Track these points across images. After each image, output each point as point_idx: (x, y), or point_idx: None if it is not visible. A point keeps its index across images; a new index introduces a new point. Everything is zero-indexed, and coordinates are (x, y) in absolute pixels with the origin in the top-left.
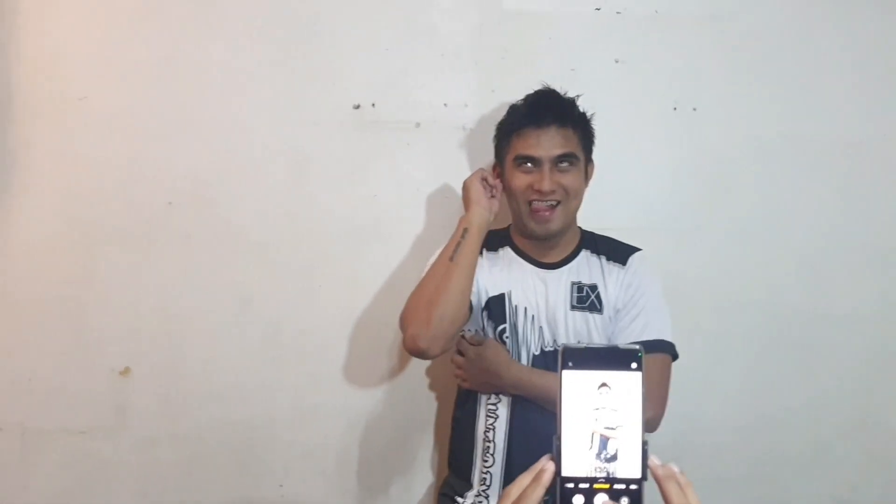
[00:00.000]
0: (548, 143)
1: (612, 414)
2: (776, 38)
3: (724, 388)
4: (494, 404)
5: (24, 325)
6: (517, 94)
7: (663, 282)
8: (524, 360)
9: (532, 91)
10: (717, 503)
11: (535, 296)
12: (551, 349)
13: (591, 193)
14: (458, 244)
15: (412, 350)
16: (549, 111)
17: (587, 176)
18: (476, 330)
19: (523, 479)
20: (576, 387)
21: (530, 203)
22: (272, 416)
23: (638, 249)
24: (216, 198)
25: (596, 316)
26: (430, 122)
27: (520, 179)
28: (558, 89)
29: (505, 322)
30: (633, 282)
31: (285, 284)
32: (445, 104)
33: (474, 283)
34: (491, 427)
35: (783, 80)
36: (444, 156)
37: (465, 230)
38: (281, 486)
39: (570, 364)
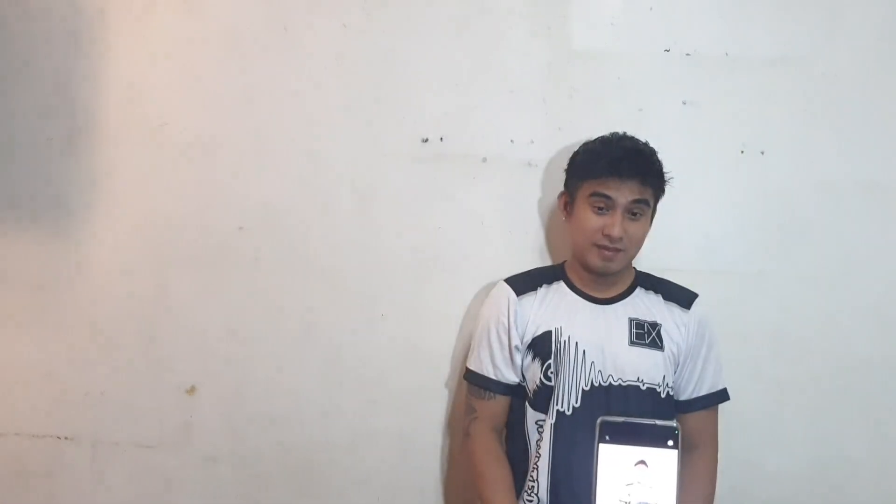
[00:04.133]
0: (626, 190)
1: (647, 490)
2: (849, 83)
3: (786, 438)
4: (539, 441)
5: (99, 341)
6: (584, 133)
7: (724, 326)
8: (573, 397)
9: (606, 134)
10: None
11: (589, 330)
12: (605, 385)
13: (653, 233)
14: None
15: None
16: (632, 166)
17: (651, 221)
18: None
19: None
20: (612, 461)
21: (595, 242)
22: (330, 441)
23: (695, 294)
24: (285, 224)
25: (657, 353)
26: (497, 157)
27: (591, 221)
28: (627, 130)
29: (551, 358)
30: (701, 330)
31: (349, 311)
32: (512, 140)
33: (514, 327)
34: (535, 467)
35: (856, 125)
36: (508, 191)
37: None
38: None
39: (608, 437)
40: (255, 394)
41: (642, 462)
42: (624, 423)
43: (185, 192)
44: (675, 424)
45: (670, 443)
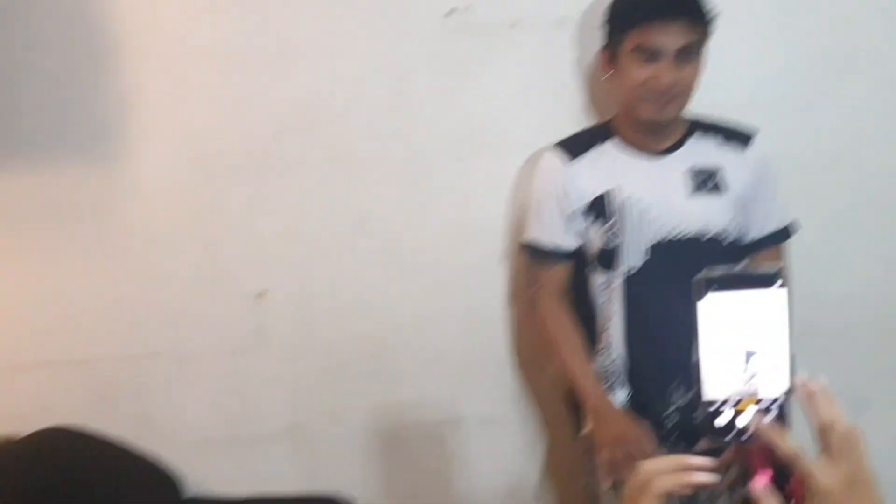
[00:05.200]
0: (673, 35)
1: (755, 333)
2: None
3: (851, 266)
4: (607, 301)
5: (164, 261)
6: None
7: (784, 160)
8: (637, 255)
9: None
10: (848, 378)
11: (647, 185)
12: (669, 239)
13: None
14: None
15: None
16: (677, 7)
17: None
18: None
19: (660, 464)
20: (716, 310)
21: (645, 95)
22: (398, 325)
23: (754, 131)
24: (323, 121)
25: (719, 199)
26: (526, 20)
27: (637, 73)
28: None
29: (611, 219)
30: (762, 168)
31: (399, 199)
32: None
33: (569, 193)
34: (606, 328)
35: None
36: (543, 54)
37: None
38: (415, 388)
39: (708, 289)
40: (322, 290)
41: (747, 306)
42: (724, 273)
43: (217, 101)
44: (777, 269)
45: (778, 283)
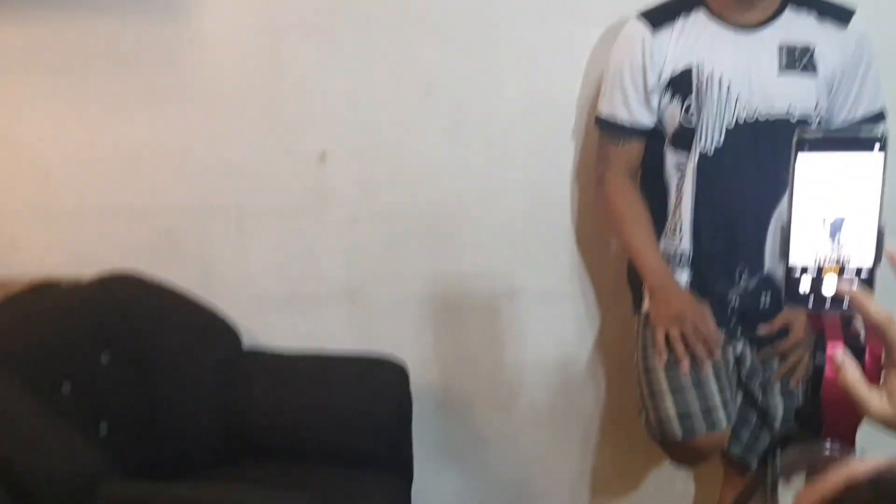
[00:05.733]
0: None
1: (847, 199)
2: None
3: None
4: (679, 182)
5: (226, 116)
6: None
7: (884, 42)
8: (716, 136)
9: None
10: None
11: (734, 61)
12: (751, 121)
13: None
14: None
15: None
16: None
17: None
18: None
19: None
20: (811, 171)
21: None
22: (462, 195)
23: (853, 9)
24: None
25: (810, 79)
26: None
27: None
28: None
29: (691, 96)
30: (859, 50)
31: (468, 66)
32: None
33: (651, 65)
34: (677, 207)
35: None
36: None
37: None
38: (473, 257)
39: (807, 147)
40: (385, 156)
41: (842, 170)
42: (825, 132)
43: None
44: (880, 133)
45: (877, 146)
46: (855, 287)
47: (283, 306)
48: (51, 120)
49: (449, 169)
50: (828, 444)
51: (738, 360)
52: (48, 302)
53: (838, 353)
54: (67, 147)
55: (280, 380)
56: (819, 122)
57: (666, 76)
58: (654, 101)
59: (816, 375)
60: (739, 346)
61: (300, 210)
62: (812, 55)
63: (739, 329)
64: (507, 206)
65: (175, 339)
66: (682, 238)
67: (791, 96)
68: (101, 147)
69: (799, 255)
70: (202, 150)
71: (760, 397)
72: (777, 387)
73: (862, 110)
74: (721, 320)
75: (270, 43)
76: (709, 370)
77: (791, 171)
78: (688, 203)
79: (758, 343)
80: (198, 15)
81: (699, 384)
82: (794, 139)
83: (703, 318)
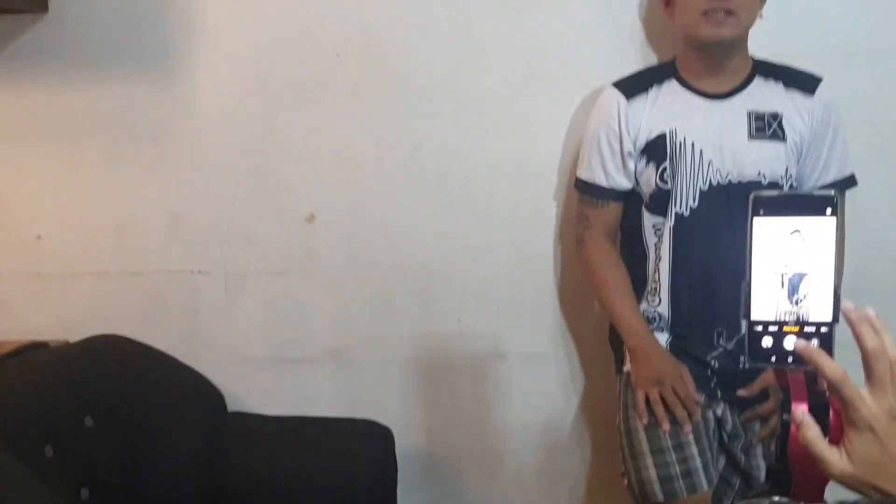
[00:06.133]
0: None
1: (804, 259)
2: None
3: None
4: (657, 244)
5: (217, 178)
6: None
7: (850, 108)
8: (690, 198)
9: None
10: None
11: (706, 128)
12: (724, 183)
13: (769, 16)
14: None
15: None
16: None
17: None
18: None
19: None
20: (767, 233)
21: (704, 12)
22: (447, 256)
23: (819, 77)
24: (381, 47)
25: (779, 144)
26: None
27: None
28: None
29: (666, 161)
30: (826, 116)
31: (453, 130)
32: None
33: (626, 131)
34: (657, 268)
35: None
36: None
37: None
38: (458, 320)
39: (762, 211)
40: (371, 218)
41: (797, 231)
42: (778, 195)
43: (279, 24)
44: (833, 193)
45: (829, 211)
46: (814, 344)
47: (268, 368)
48: (43, 184)
49: (434, 230)
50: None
51: (720, 423)
52: (34, 364)
53: (797, 411)
54: (59, 211)
55: (264, 443)
56: (791, 186)
57: (641, 142)
58: (631, 165)
59: (784, 433)
60: (720, 409)
61: (287, 272)
62: (780, 122)
63: (720, 391)
64: (491, 267)
65: (159, 402)
66: (661, 300)
67: (760, 161)
68: (93, 212)
69: (760, 313)
70: (192, 213)
71: (743, 459)
72: (759, 449)
73: (832, 175)
74: (701, 382)
75: (261, 109)
76: (689, 432)
77: (748, 232)
78: (666, 265)
79: (739, 405)
80: (189, 81)
81: (680, 446)
82: (750, 202)
83: (683, 380)
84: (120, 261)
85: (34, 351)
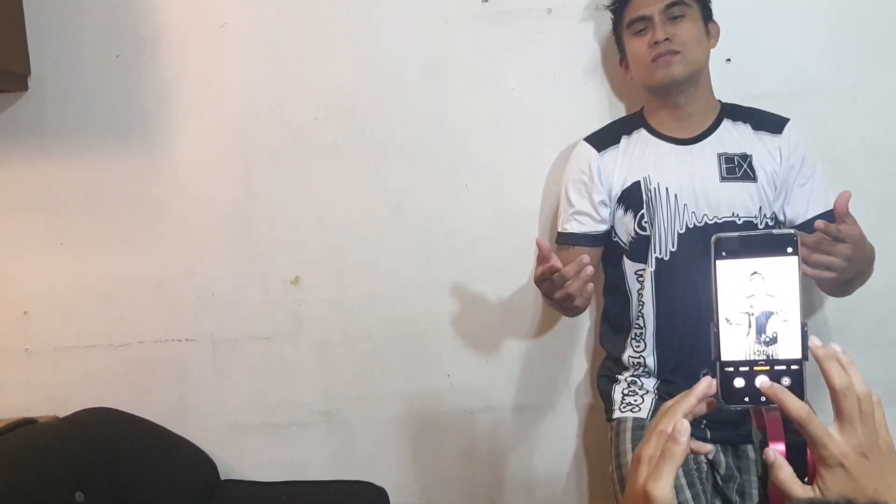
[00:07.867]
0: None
1: (769, 299)
2: None
3: (890, 255)
4: (640, 290)
5: (200, 245)
6: None
7: (822, 148)
8: (669, 242)
9: None
10: (886, 372)
11: (677, 173)
12: (700, 225)
13: (736, 60)
14: None
15: None
16: None
17: (709, 33)
18: None
19: (681, 396)
20: (731, 274)
21: (652, 59)
22: (433, 312)
23: (786, 118)
24: (358, 108)
25: (750, 185)
26: (562, 6)
27: (637, 44)
28: None
29: (643, 208)
30: (797, 151)
31: (432, 186)
32: None
33: (600, 182)
34: (640, 314)
35: None
36: (579, 41)
37: None
38: (448, 375)
39: (724, 254)
40: (356, 277)
41: (757, 273)
42: (739, 237)
43: (256, 87)
44: (792, 231)
45: (790, 250)
46: (786, 382)
47: (259, 434)
48: (28, 259)
49: (419, 287)
50: None
51: (713, 466)
52: (23, 441)
53: (769, 452)
54: (45, 286)
55: None
56: (766, 225)
57: (616, 191)
58: (605, 213)
59: (765, 474)
60: (712, 451)
61: (275, 336)
62: (750, 163)
63: (709, 432)
64: (477, 320)
65: (151, 475)
66: (646, 345)
67: (734, 202)
68: (78, 284)
69: (730, 354)
70: (177, 281)
71: (738, 502)
72: (754, 491)
73: (821, 205)
74: (692, 425)
75: (241, 173)
76: (681, 476)
77: (713, 274)
78: (650, 309)
79: (732, 446)
80: (170, 150)
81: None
82: (712, 245)
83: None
84: (107, 333)
85: (23, 428)
